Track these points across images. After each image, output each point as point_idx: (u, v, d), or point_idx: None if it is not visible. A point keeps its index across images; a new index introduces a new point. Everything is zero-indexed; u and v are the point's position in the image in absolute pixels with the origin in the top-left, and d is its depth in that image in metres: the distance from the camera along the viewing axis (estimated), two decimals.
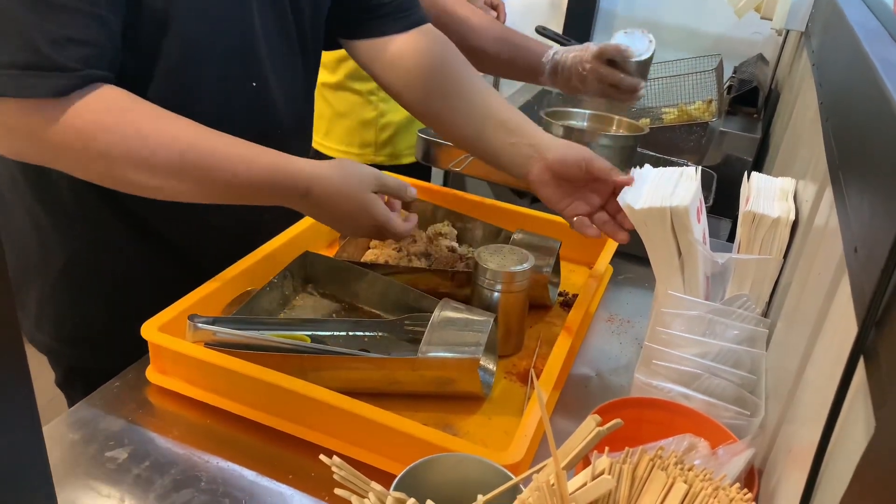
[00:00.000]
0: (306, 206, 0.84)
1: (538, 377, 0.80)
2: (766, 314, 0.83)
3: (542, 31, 1.84)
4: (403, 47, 1.01)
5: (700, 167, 1.39)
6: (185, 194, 0.78)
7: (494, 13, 1.60)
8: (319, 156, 1.52)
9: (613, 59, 1.22)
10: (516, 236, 1.00)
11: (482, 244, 1.01)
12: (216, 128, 0.79)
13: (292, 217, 1.00)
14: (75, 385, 1.01)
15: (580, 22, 2.30)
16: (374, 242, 1.07)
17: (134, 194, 0.77)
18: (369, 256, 1.04)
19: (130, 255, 0.94)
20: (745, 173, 0.96)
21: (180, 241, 0.96)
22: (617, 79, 1.18)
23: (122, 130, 0.73)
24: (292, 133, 1.00)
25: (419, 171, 1.49)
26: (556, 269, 1.03)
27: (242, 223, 0.97)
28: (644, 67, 1.22)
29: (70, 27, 0.70)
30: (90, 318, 0.96)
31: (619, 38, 1.20)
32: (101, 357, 0.93)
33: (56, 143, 0.72)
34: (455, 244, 1.09)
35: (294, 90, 0.99)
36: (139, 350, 0.80)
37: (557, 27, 2.34)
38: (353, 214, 0.84)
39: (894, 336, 0.34)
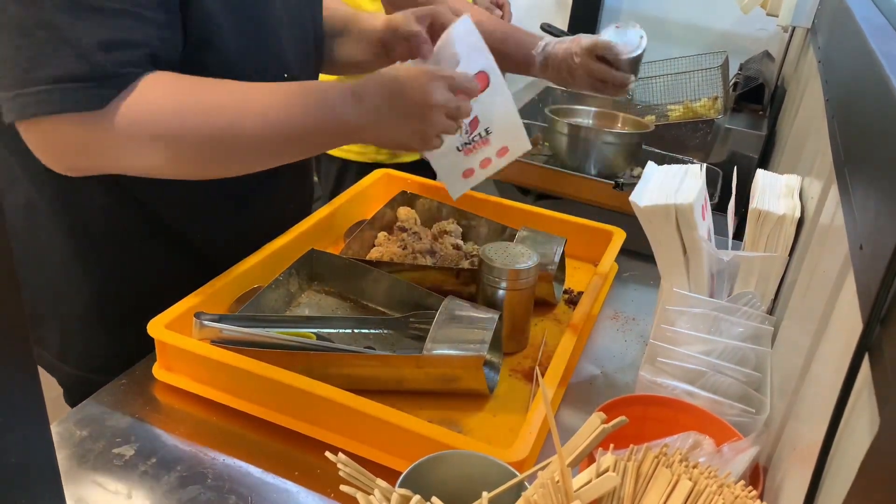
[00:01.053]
0: (366, 103, 0.78)
1: (543, 375, 0.80)
2: (771, 311, 0.83)
3: (546, 28, 1.84)
4: None
5: (705, 164, 1.39)
6: (260, 159, 0.78)
7: (500, 12, 1.59)
8: (322, 154, 1.52)
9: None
10: (521, 233, 1.01)
11: (487, 241, 1.01)
12: None
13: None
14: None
15: (585, 18, 2.30)
16: (378, 240, 1.07)
17: (216, 168, 0.77)
18: (374, 254, 1.04)
19: (165, 275, 0.90)
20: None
21: (217, 256, 0.92)
22: (606, 75, 1.17)
23: (187, 108, 0.71)
24: None
25: (422, 168, 1.48)
26: (561, 267, 1.03)
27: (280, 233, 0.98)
28: (635, 63, 1.21)
29: (118, 29, 0.68)
30: (124, 347, 0.88)
31: (610, 34, 1.19)
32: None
33: (115, 150, 0.70)
34: (460, 241, 1.09)
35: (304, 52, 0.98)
36: None
37: (563, 24, 2.33)
38: (419, 91, 0.78)
39: None
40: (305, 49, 0.96)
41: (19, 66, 0.65)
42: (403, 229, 1.09)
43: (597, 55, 1.16)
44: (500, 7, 1.60)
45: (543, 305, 1.00)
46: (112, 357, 0.88)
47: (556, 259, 0.97)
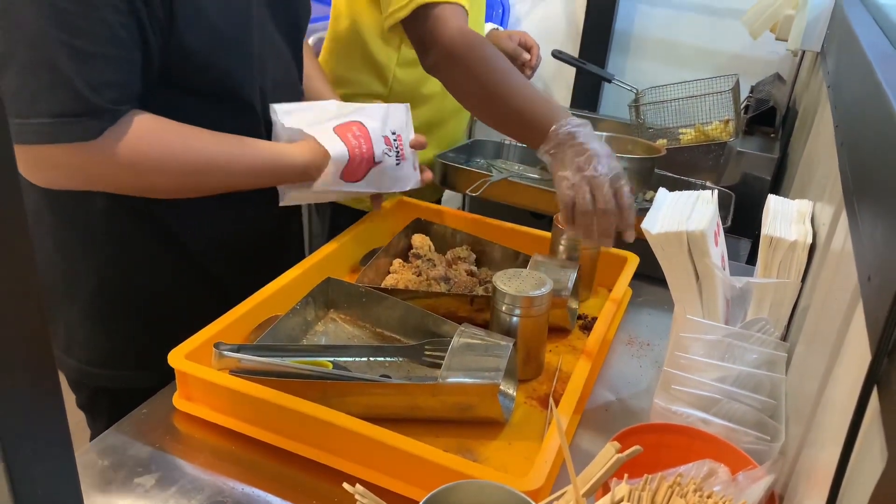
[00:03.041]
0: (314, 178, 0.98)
1: (558, 402, 0.80)
2: (785, 337, 0.83)
3: (558, 55, 1.86)
4: None
5: (717, 189, 1.40)
6: (210, 191, 0.91)
7: (527, 56, 1.58)
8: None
9: None
10: (535, 259, 1.01)
11: (501, 268, 1.02)
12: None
13: (314, 231, 1.05)
14: (100, 406, 1.03)
15: (596, 44, 2.32)
16: (393, 267, 1.08)
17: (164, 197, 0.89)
18: (389, 281, 1.05)
19: (161, 274, 0.97)
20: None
21: (210, 259, 0.99)
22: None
23: (159, 152, 0.84)
24: None
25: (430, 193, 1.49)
26: (575, 293, 1.04)
27: (270, 238, 1.07)
28: None
29: (105, 72, 0.77)
30: (124, 340, 0.98)
31: None
32: (134, 378, 0.96)
33: (102, 173, 0.81)
34: (474, 268, 1.10)
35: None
36: (170, 370, 0.82)
37: (574, 49, 2.36)
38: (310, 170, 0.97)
39: None
40: (284, 65, 1.04)
41: (23, 99, 0.74)
42: (418, 256, 1.10)
43: None
44: (529, 50, 1.59)
45: (558, 331, 1.00)
46: (112, 351, 0.98)
47: (570, 285, 0.97)
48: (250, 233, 1.04)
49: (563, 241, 1.08)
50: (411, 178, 1.12)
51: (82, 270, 0.95)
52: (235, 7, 0.88)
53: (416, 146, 1.10)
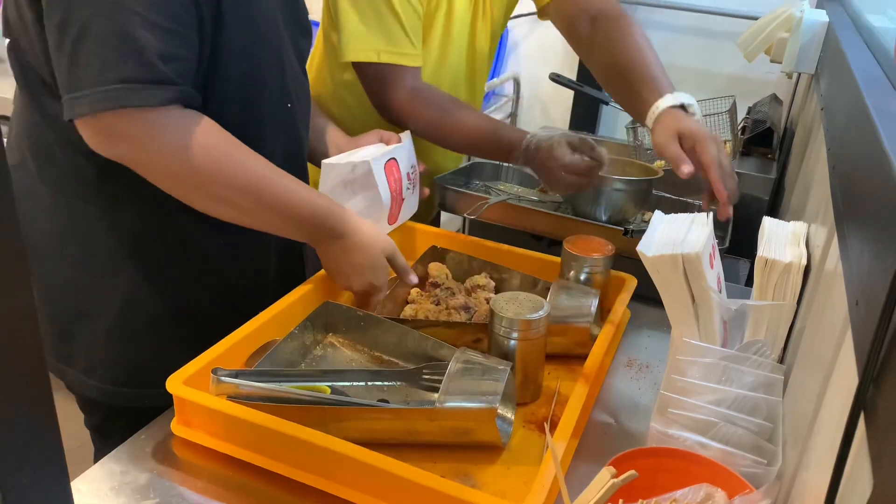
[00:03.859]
0: (332, 248, 0.98)
1: (557, 425, 0.80)
2: (782, 360, 0.83)
3: (555, 78, 1.88)
4: None
5: (712, 212, 1.41)
6: (246, 217, 0.92)
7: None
8: None
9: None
10: (557, 285, 1.01)
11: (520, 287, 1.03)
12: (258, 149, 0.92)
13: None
14: (115, 426, 1.02)
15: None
16: (411, 296, 1.09)
17: (197, 208, 0.89)
18: (408, 312, 1.05)
19: (184, 293, 0.99)
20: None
21: (235, 275, 1.03)
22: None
23: (215, 152, 0.85)
24: (303, 156, 1.11)
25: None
26: (597, 320, 1.01)
27: (288, 257, 1.11)
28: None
29: (172, 45, 0.80)
30: (148, 358, 0.99)
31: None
32: (156, 396, 0.96)
33: (161, 151, 0.83)
34: (493, 295, 1.08)
35: (306, 114, 1.10)
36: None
37: (571, 73, 2.38)
38: (363, 268, 0.99)
39: (891, 393, 0.35)
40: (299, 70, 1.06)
41: (93, 69, 0.77)
42: (436, 285, 1.10)
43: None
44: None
45: (563, 357, 1.00)
46: (136, 370, 0.99)
47: (593, 310, 0.97)
48: (272, 252, 1.07)
49: (573, 265, 1.08)
50: (415, 203, 1.20)
51: (107, 291, 0.97)
52: (272, 23, 0.95)
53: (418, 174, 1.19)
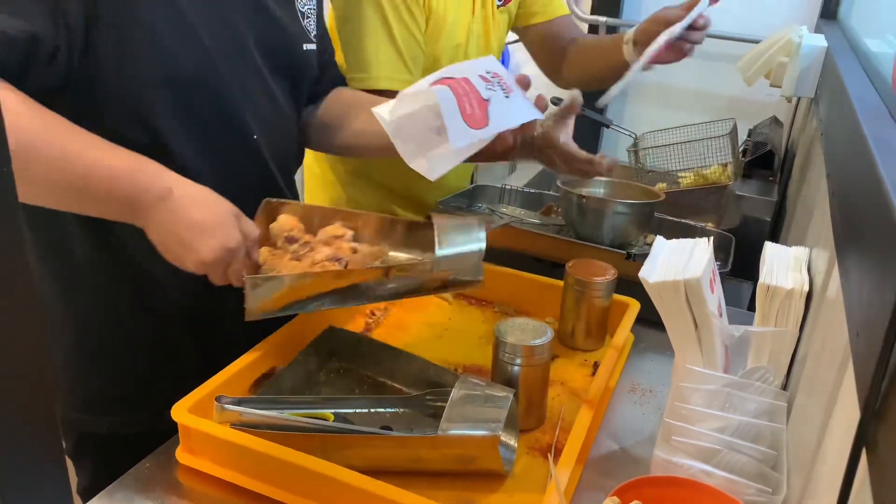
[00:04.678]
0: (160, 217, 0.78)
1: (561, 452, 0.80)
2: (785, 386, 0.83)
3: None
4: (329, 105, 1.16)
5: (717, 232, 1.41)
6: (38, 184, 0.75)
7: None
8: None
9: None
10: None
11: (378, 237, 0.98)
12: (225, 177, 0.87)
13: None
14: (85, 452, 1.03)
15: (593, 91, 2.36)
16: (263, 257, 0.90)
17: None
18: (265, 268, 0.90)
19: (143, 323, 0.97)
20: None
21: (190, 304, 0.98)
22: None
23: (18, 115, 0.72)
24: (282, 180, 1.05)
25: None
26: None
27: None
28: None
29: None
30: (107, 385, 0.99)
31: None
32: (119, 423, 0.98)
33: None
34: (355, 244, 0.97)
35: (283, 147, 1.04)
36: (153, 416, 0.84)
37: None
38: (208, 227, 0.79)
39: (893, 430, 0.35)
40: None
41: None
42: (292, 240, 0.94)
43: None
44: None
45: (560, 384, 1.00)
46: (96, 397, 0.97)
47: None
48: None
49: (576, 289, 1.08)
50: (528, 108, 1.04)
51: (64, 319, 0.96)
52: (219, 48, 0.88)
53: (520, 81, 1.04)
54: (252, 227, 0.85)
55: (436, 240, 0.89)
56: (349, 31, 1.26)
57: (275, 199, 0.95)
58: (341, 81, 1.20)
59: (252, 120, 0.96)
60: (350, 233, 0.98)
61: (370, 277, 0.88)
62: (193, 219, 0.78)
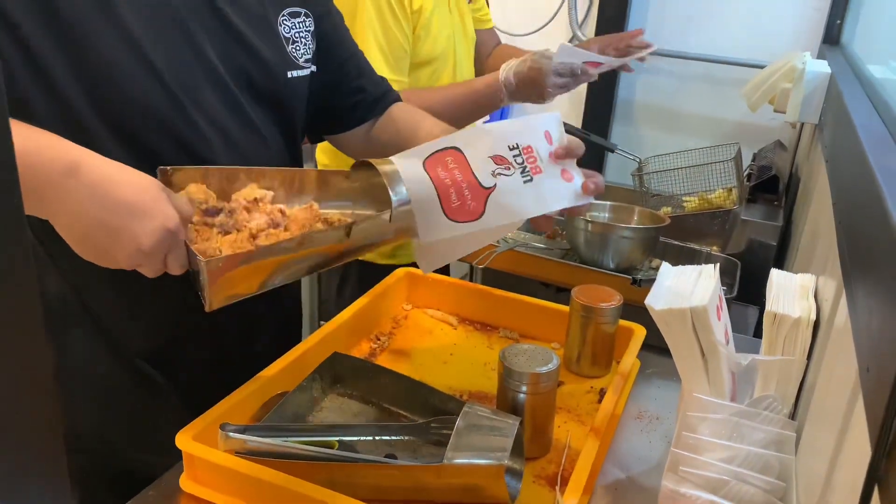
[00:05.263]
0: (69, 196, 0.64)
1: (568, 481, 0.79)
2: (793, 416, 0.83)
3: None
4: (382, 125, 1.13)
5: (722, 256, 1.41)
6: None
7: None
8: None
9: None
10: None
11: (290, 195, 0.89)
12: None
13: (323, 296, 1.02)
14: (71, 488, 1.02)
15: (599, 114, 2.38)
16: (189, 236, 0.76)
17: None
18: (195, 248, 0.75)
19: (113, 364, 0.95)
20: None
21: (159, 350, 0.96)
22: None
23: None
24: None
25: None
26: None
27: (231, 333, 1.00)
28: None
29: None
30: (80, 423, 0.96)
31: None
32: (97, 461, 0.97)
33: None
34: (280, 206, 0.85)
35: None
36: (135, 457, 0.84)
37: (577, 119, 2.41)
38: (142, 205, 0.66)
39: None
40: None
41: None
42: (214, 212, 0.81)
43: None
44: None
45: (566, 411, 0.99)
46: (74, 435, 0.94)
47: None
48: (214, 328, 0.93)
49: (582, 315, 1.08)
50: (563, 192, 0.91)
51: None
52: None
53: (563, 156, 0.91)
54: (185, 204, 0.73)
55: (389, 188, 0.81)
56: None
57: (167, 167, 0.80)
58: (392, 99, 1.14)
59: (222, 150, 0.90)
60: (270, 193, 0.86)
61: (333, 240, 0.79)
62: (120, 199, 0.65)
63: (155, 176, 0.74)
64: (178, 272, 0.72)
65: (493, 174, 0.86)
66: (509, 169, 0.87)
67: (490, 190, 0.86)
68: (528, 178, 0.88)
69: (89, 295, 0.90)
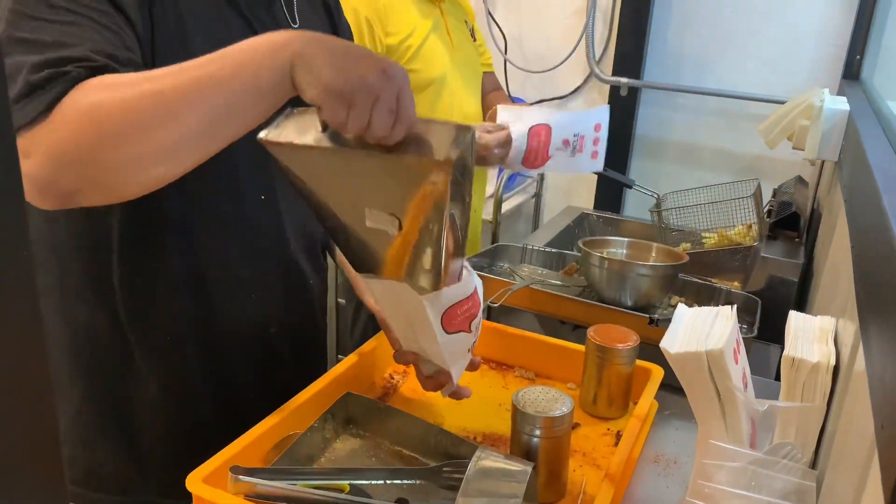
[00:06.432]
0: (308, 37, 0.69)
1: None
2: (813, 464, 0.80)
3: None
4: None
5: (741, 294, 1.39)
6: (198, 118, 0.69)
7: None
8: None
9: None
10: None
11: None
12: (229, 239, 0.91)
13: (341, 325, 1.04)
14: None
15: (617, 149, 2.37)
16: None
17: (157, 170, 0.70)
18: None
19: (142, 398, 0.96)
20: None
21: (189, 386, 0.97)
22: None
23: (116, 102, 0.68)
24: (301, 251, 1.04)
25: None
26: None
27: (252, 367, 1.02)
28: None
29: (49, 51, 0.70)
30: (101, 459, 0.97)
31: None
32: (109, 502, 0.97)
33: (64, 147, 0.67)
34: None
35: (304, 211, 1.00)
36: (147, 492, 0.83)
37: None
38: (351, 49, 0.69)
39: None
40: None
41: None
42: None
43: None
44: None
45: (582, 454, 0.98)
46: (90, 473, 0.96)
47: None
48: (243, 364, 1.00)
49: (598, 355, 1.06)
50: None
51: (63, 391, 0.95)
52: None
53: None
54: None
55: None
56: None
57: None
58: None
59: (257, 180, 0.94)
60: None
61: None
62: (333, 47, 0.69)
63: None
64: (385, 125, 0.67)
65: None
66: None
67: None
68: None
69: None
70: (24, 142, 0.67)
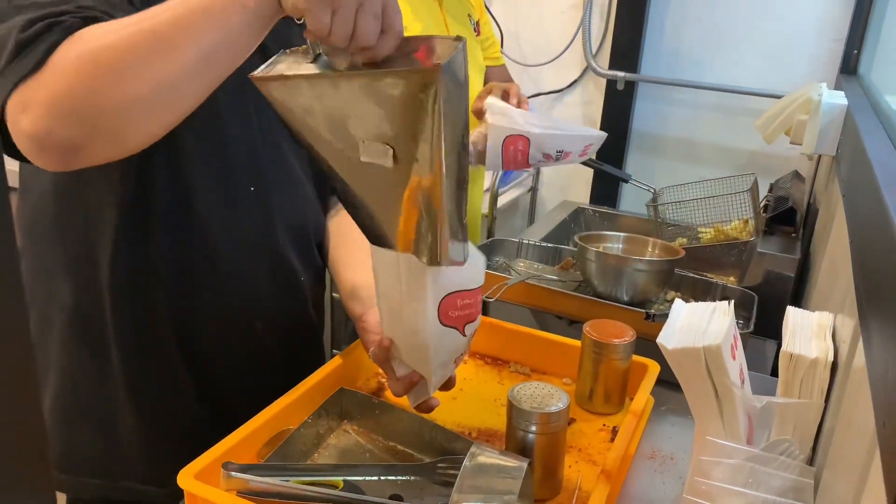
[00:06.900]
0: None
1: None
2: (811, 461, 0.80)
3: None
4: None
5: (738, 289, 1.38)
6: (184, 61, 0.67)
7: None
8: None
9: None
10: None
11: None
12: (215, 230, 0.90)
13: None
14: None
15: (614, 144, 2.37)
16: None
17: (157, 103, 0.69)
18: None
19: (121, 385, 0.95)
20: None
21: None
22: None
23: (111, 41, 0.66)
24: (290, 245, 1.02)
25: None
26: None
27: (236, 354, 1.01)
28: None
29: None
30: (80, 444, 0.96)
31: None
32: (91, 487, 0.97)
33: (62, 92, 0.65)
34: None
35: (295, 205, 1.02)
36: (130, 480, 0.83)
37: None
38: None
39: None
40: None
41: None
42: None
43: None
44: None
45: (578, 450, 0.97)
46: (68, 452, 0.96)
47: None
48: (221, 348, 0.99)
49: (593, 351, 1.06)
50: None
51: (43, 372, 0.95)
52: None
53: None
54: None
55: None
56: None
57: None
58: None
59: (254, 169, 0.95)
60: None
61: None
62: None
63: None
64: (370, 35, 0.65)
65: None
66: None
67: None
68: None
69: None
70: (19, 97, 0.65)
